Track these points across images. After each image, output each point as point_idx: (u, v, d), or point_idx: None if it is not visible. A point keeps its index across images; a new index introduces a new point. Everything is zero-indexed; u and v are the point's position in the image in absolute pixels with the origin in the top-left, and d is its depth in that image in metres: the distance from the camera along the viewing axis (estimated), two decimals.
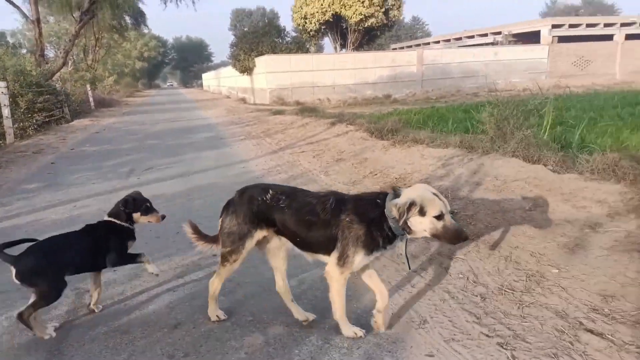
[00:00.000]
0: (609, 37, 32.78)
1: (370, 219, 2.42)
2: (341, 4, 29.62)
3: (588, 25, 32.89)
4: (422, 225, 2.33)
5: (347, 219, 2.46)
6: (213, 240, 2.90)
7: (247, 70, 25.98)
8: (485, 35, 35.93)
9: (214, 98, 34.74)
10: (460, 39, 39.21)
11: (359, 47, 33.14)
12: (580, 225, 3.65)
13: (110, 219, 3.01)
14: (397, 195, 2.40)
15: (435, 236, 2.37)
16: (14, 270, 2.59)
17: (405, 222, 2.32)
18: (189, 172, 7.54)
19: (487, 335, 2.56)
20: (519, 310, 2.78)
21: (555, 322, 2.61)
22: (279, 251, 2.84)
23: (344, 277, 2.52)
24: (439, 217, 2.31)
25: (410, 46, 42.74)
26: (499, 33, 34.92)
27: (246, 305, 3.07)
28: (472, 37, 37.54)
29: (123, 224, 3.01)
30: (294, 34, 33.86)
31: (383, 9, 30.64)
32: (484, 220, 4.14)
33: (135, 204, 3.06)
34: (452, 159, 6.03)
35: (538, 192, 4.43)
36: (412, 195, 2.32)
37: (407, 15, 64.07)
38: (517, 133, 5.99)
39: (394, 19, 32.54)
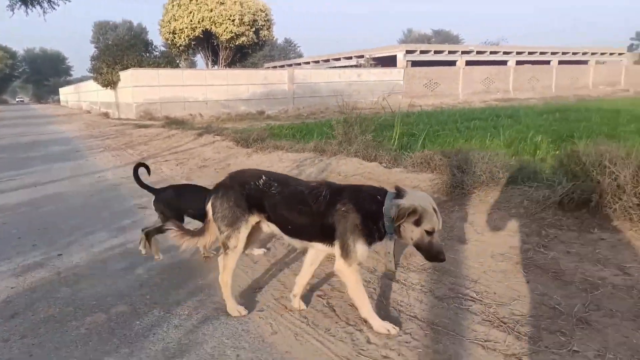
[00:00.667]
0: (453, 63, 37.61)
1: (366, 212, 2.41)
2: (211, 21, 29.63)
3: (436, 52, 37.35)
4: (412, 234, 2.34)
5: (343, 209, 2.43)
6: (199, 233, 2.84)
7: (110, 84, 24.60)
8: (350, 58, 38.68)
9: (72, 113, 32.09)
10: (328, 60, 41.70)
11: (231, 64, 33.37)
12: None
13: None
14: (400, 195, 2.38)
15: (418, 247, 2.38)
16: (153, 199, 3.73)
17: (399, 225, 2.33)
18: (38, 182, 7.08)
19: (310, 290, 3.01)
20: None
21: (364, 277, 3.17)
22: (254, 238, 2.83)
23: (354, 270, 2.48)
24: (430, 233, 2.32)
25: (283, 66, 44.23)
26: (362, 56, 37.84)
27: (90, 292, 3.14)
28: (339, 59, 40.19)
29: None
30: (163, 48, 32.89)
31: (253, 29, 31.36)
32: None
33: None
34: (305, 161, 6.61)
35: (371, 183, 5.15)
36: (416, 203, 2.31)
37: (280, 36, 66.05)
38: (360, 137, 6.80)
39: (264, 39, 33.42)
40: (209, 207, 2.75)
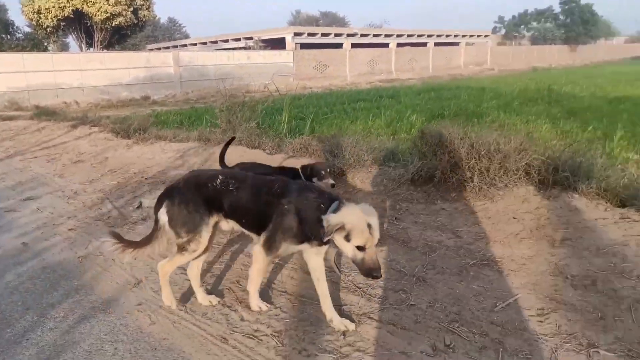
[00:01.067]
0: (340, 45, 38.82)
1: (305, 216, 2.47)
2: (82, 0, 27.18)
3: (323, 35, 38.26)
4: (345, 248, 2.38)
5: (286, 206, 2.50)
6: (145, 242, 2.79)
7: None
8: (239, 39, 38.07)
9: None
10: (216, 42, 40.61)
11: (109, 46, 31.02)
12: None
13: None
14: (339, 208, 2.40)
15: (353, 261, 2.41)
16: None
17: (331, 239, 2.38)
18: None
19: (188, 280, 3.18)
20: (218, 258, 3.50)
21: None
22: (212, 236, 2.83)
23: (267, 260, 2.59)
24: (361, 249, 2.33)
25: (168, 47, 42.13)
26: (251, 38, 37.42)
27: None
28: (227, 41, 39.34)
29: None
30: (28, 29, 29.44)
31: (131, 8, 29.38)
32: None
33: None
34: (189, 151, 6.61)
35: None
36: (345, 220, 2.33)
37: (162, 16, 62.46)
38: (245, 125, 6.95)
39: (144, 19, 31.51)
40: (162, 214, 2.73)
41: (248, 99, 8.20)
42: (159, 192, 4.92)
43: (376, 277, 2.36)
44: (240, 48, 35.68)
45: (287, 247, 2.55)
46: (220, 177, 2.72)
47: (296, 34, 36.65)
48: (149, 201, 4.77)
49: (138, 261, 3.57)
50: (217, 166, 5.68)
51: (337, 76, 34.77)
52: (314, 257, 2.63)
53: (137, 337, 2.56)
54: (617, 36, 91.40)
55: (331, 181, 3.85)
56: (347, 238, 2.33)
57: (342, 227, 2.31)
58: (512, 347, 2.26)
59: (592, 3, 65.05)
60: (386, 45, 42.02)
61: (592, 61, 57.77)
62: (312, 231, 2.45)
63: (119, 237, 2.80)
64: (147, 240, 2.80)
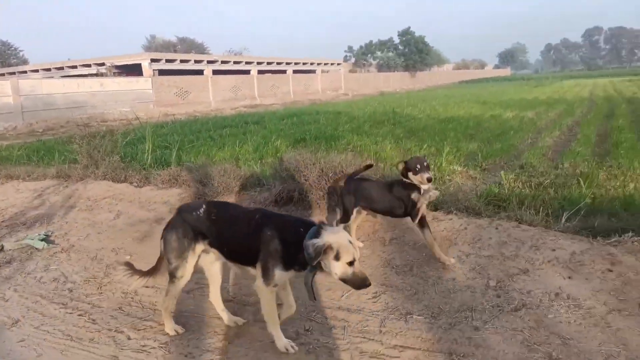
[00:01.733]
0: (201, 72, 38.70)
1: (288, 241, 2.55)
2: None
3: (182, 61, 37.79)
4: (335, 269, 2.43)
5: (269, 233, 2.60)
6: (151, 271, 2.97)
7: None
8: (89, 65, 35.72)
9: None
10: (62, 68, 37.46)
11: None
12: (150, 222, 4.91)
13: None
14: (319, 232, 2.46)
15: (344, 280, 2.46)
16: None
17: (319, 262, 2.43)
18: None
19: (70, 313, 3.32)
20: (98, 290, 3.67)
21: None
22: (213, 264, 2.98)
23: (270, 290, 2.65)
24: (351, 264, 2.43)
25: (3, 74, 37.61)
26: (103, 64, 35.40)
27: None
28: (75, 67, 36.60)
29: None
30: None
31: None
32: (76, 234, 4.85)
33: None
34: (48, 189, 6.39)
35: (122, 205, 5.49)
36: (331, 240, 2.40)
37: None
38: (108, 159, 6.93)
39: None
40: (160, 243, 2.93)
41: (105, 130, 8.09)
42: (20, 234, 4.82)
43: (368, 285, 2.51)
44: (91, 75, 33.48)
45: (280, 275, 2.63)
46: (203, 206, 2.92)
47: (153, 60, 35.65)
48: (11, 244, 4.62)
49: (11, 302, 3.56)
50: (81, 203, 5.66)
51: (200, 102, 34.58)
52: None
53: None
54: (446, 64, 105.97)
55: (427, 175, 3.56)
56: (337, 257, 2.43)
57: (330, 248, 2.42)
58: (354, 322, 2.95)
59: (424, 35, 74.69)
60: (247, 72, 43.04)
61: (428, 85, 66.19)
62: (295, 253, 2.54)
63: (130, 266, 3.07)
64: (153, 269, 3.01)
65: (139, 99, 30.37)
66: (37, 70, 38.56)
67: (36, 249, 4.53)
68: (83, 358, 2.77)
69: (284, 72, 47.15)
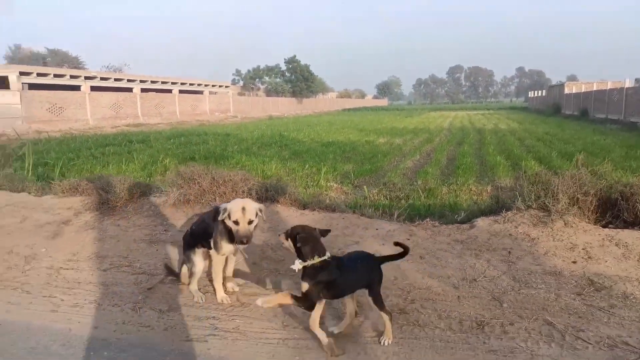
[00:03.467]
0: (77, 87, 36.75)
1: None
2: None
3: (56, 75, 35.61)
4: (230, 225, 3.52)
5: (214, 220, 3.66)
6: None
7: None
8: None
9: None
10: None
11: None
12: (57, 224, 5.55)
13: None
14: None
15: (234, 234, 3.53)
16: None
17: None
18: None
19: (2, 289, 3.99)
20: (23, 274, 4.35)
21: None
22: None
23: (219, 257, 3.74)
24: (236, 223, 3.47)
25: None
26: None
27: None
28: None
29: None
30: None
31: None
32: None
33: None
34: None
35: (26, 211, 6.00)
36: (228, 206, 3.53)
37: None
38: (1, 171, 7.23)
39: None
40: None
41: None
42: None
43: (246, 243, 3.49)
44: None
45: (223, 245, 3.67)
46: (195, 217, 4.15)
47: (22, 73, 33.25)
48: None
49: None
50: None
51: (77, 119, 32.94)
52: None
53: None
54: (331, 92, 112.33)
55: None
56: (229, 217, 3.48)
57: (226, 210, 3.52)
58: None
59: (309, 64, 78.84)
60: (130, 89, 41.81)
61: (314, 111, 69.82)
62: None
63: (169, 269, 4.21)
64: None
65: (5, 114, 28.09)
66: None
67: None
68: (27, 315, 3.53)
69: (169, 91, 46.57)
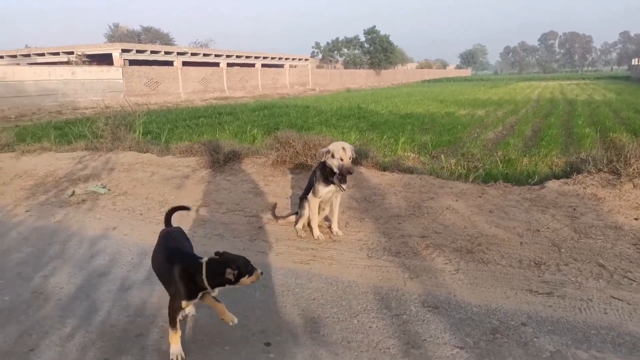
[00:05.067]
0: (170, 63, 39.63)
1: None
2: None
3: (152, 52, 38.63)
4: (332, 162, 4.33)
5: None
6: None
7: None
8: (57, 53, 36.03)
9: None
10: (28, 55, 37.61)
11: None
12: (180, 178, 6.74)
13: None
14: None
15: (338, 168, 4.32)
16: None
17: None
18: None
19: (149, 223, 5.16)
20: (160, 212, 5.53)
21: None
22: None
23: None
24: (341, 159, 4.23)
25: None
26: (72, 53, 35.79)
27: None
28: (43, 54, 36.83)
29: None
30: None
31: None
32: (125, 186, 6.64)
33: None
34: (84, 158, 8.06)
35: (153, 167, 7.28)
36: (331, 147, 4.31)
37: None
38: (128, 135, 8.66)
39: None
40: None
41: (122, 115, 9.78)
42: (81, 185, 6.53)
43: (351, 173, 4.31)
44: (61, 63, 33.93)
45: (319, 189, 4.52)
46: None
47: (124, 51, 36.45)
48: (79, 190, 6.38)
49: (102, 221, 5.36)
50: (118, 167, 7.41)
51: (170, 93, 35.63)
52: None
53: None
54: (410, 62, 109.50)
55: None
56: (332, 155, 4.24)
57: (329, 151, 4.29)
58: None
59: (389, 34, 77.43)
60: (217, 64, 44.19)
61: (392, 83, 68.95)
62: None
63: (274, 214, 4.97)
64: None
65: (109, 88, 31.25)
66: (1, 57, 38.51)
67: (99, 193, 6.29)
68: None
69: (252, 65, 48.51)
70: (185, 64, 40.37)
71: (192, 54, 42.89)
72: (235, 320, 2.85)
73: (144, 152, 8.05)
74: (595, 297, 3.29)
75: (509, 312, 3.12)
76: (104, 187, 6.47)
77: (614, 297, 3.27)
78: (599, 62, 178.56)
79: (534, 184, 5.70)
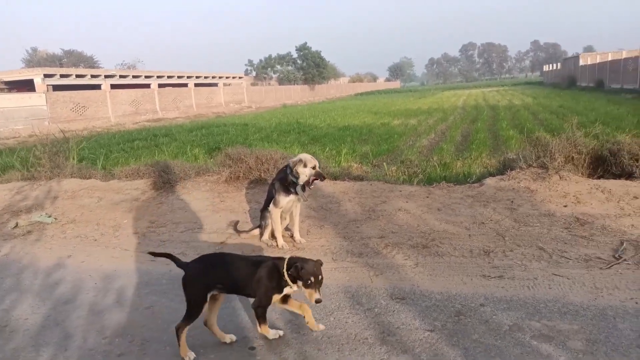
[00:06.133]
0: (98, 87, 38.10)
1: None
2: None
3: (78, 76, 36.99)
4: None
5: None
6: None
7: None
8: None
9: None
10: None
11: None
12: (130, 201, 6.61)
13: None
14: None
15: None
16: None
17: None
18: None
19: (105, 248, 5.05)
20: (115, 237, 5.41)
21: None
22: None
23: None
24: (313, 168, 4.52)
25: None
26: None
27: None
28: None
29: None
30: None
31: None
32: (72, 213, 6.41)
33: None
34: (23, 188, 7.66)
35: (99, 193, 7.08)
36: (301, 156, 4.55)
37: None
38: (68, 162, 8.33)
39: None
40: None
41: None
42: (27, 215, 6.24)
43: (324, 179, 4.79)
44: None
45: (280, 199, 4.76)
46: None
47: (46, 76, 34.71)
48: (23, 221, 6.08)
49: (54, 250, 5.16)
50: (62, 194, 7.15)
51: (99, 117, 34.26)
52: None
53: None
54: (342, 77, 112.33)
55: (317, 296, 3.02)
56: (305, 165, 4.56)
57: (301, 160, 4.56)
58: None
59: (320, 50, 79.19)
60: (148, 86, 43.06)
61: (327, 98, 70.33)
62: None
63: (236, 228, 5.09)
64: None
65: (33, 115, 29.55)
66: None
67: (46, 223, 6.03)
68: (133, 264, 4.58)
69: (185, 85, 47.74)
70: (114, 86, 39.00)
71: (121, 76, 41.56)
72: (322, 327, 3.11)
73: (87, 178, 7.78)
74: (539, 276, 3.70)
75: (468, 296, 3.44)
76: (50, 216, 6.21)
77: (555, 274, 3.69)
78: (514, 70, 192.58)
79: (473, 182, 6.20)
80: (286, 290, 2.96)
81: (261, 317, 2.99)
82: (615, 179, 5.65)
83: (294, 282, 2.90)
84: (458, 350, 2.79)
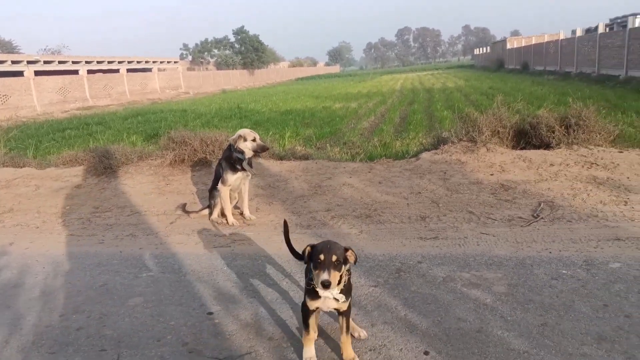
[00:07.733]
0: (20, 73, 35.49)
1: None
2: None
3: None
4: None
5: None
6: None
7: None
8: None
9: None
10: None
11: None
12: (71, 188, 6.44)
13: None
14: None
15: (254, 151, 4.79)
16: None
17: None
18: None
19: (50, 234, 4.95)
20: (62, 222, 5.30)
21: None
22: None
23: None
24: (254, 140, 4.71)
25: None
26: None
27: None
28: None
29: None
30: None
31: None
32: (9, 202, 6.16)
33: None
34: None
35: (36, 181, 6.82)
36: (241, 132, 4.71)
37: None
38: None
39: None
40: None
41: None
42: None
43: (267, 149, 5.09)
44: None
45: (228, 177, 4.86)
46: None
47: None
48: None
49: None
50: None
51: (23, 107, 32.08)
52: None
53: None
54: (282, 61, 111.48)
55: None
56: (245, 139, 4.73)
57: (241, 136, 4.72)
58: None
59: (258, 34, 77.98)
60: (75, 72, 40.66)
61: (267, 83, 69.64)
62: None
63: (184, 209, 5.20)
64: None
65: None
66: None
67: None
68: (84, 247, 4.55)
69: (117, 71, 45.55)
70: (38, 73, 36.48)
71: (46, 62, 38.94)
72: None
73: (21, 167, 7.45)
74: (469, 235, 4.12)
75: (407, 256, 3.79)
76: None
77: (482, 233, 4.14)
78: (447, 54, 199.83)
79: (411, 157, 6.62)
80: None
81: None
82: (535, 149, 6.26)
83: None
84: (399, 300, 3.11)
